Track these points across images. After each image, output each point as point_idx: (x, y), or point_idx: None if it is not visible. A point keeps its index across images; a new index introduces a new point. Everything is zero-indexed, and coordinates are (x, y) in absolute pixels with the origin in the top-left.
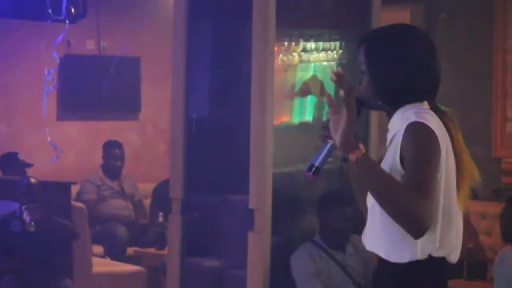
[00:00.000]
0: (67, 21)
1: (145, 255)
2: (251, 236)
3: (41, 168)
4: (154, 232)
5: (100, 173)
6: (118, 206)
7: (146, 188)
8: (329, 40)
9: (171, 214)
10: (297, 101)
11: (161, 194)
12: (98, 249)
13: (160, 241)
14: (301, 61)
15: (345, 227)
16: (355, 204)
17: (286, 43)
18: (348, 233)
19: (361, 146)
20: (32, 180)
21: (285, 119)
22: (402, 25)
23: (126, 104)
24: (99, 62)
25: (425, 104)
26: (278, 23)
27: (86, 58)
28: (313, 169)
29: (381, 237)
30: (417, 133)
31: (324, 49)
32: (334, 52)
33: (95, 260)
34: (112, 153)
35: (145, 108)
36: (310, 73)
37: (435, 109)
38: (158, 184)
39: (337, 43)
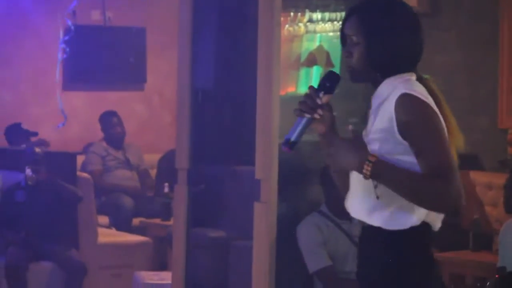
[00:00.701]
0: None
1: (151, 226)
2: (258, 207)
3: (46, 138)
4: (159, 203)
5: (104, 144)
6: (123, 176)
7: (152, 159)
8: (335, 10)
9: (177, 185)
10: (303, 71)
11: (167, 165)
12: (103, 219)
13: (166, 212)
14: (307, 32)
15: None
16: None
17: (292, 14)
18: None
19: (371, 157)
20: (37, 149)
21: (291, 89)
22: None
23: (131, 75)
24: (105, 33)
25: (413, 75)
26: None
27: (91, 28)
28: (290, 143)
29: (375, 206)
30: (415, 110)
31: (330, 20)
32: (340, 22)
33: (100, 230)
34: (110, 122)
35: (150, 79)
36: (316, 44)
37: (419, 78)
38: (164, 154)
39: (343, 14)
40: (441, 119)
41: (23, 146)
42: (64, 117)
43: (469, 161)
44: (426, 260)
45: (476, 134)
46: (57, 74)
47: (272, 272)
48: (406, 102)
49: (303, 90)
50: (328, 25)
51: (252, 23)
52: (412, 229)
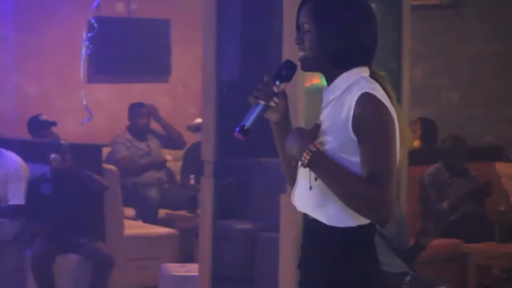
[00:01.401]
0: None
1: (177, 218)
2: (284, 199)
3: (71, 130)
4: (185, 195)
5: (128, 135)
6: (150, 180)
7: (177, 151)
8: None
9: (203, 177)
10: None
11: (192, 157)
12: (130, 211)
13: (192, 204)
14: None
15: None
16: None
17: None
18: None
19: (312, 146)
20: (62, 141)
21: (316, 81)
22: None
23: (156, 67)
24: (129, 25)
25: (367, 70)
26: None
27: (115, 20)
28: (244, 130)
29: (324, 201)
30: (374, 111)
31: None
32: None
33: (127, 222)
34: (138, 112)
35: (175, 71)
36: None
37: (373, 73)
38: (189, 146)
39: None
40: (396, 122)
41: (48, 138)
42: (89, 113)
43: (495, 152)
44: (372, 258)
45: (502, 125)
46: (81, 71)
47: None
48: (367, 101)
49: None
50: None
51: (276, 14)
52: (360, 227)
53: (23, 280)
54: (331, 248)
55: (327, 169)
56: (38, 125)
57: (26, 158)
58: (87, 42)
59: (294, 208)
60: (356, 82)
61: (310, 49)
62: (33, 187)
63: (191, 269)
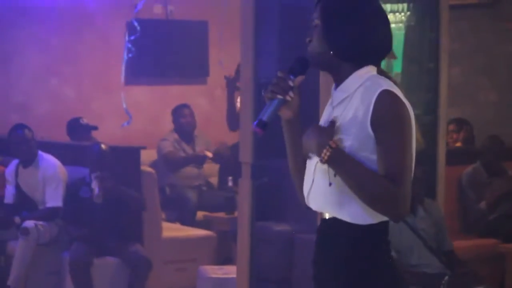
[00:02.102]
0: None
1: (215, 220)
2: None
3: (109, 133)
4: (223, 197)
5: (175, 135)
6: (190, 174)
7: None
8: (397, 2)
9: (241, 179)
10: None
11: (230, 159)
12: (168, 214)
13: (230, 206)
14: None
15: (416, 189)
16: (425, 166)
17: None
18: (418, 196)
19: (332, 143)
20: (103, 146)
21: None
22: None
23: (194, 69)
24: (167, 27)
25: (374, 68)
26: None
27: (153, 23)
28: (261, 123)
29: (345, 199)
30: (394, 108)
31: (392, 11)
32: (402, 14)
33: (165, 225)
34: (181, 113)
35: (213, 72)
36: None
37: (381, 73)
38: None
39: (405, 5)
40: (413, 120)
41: (87, 142)
42: (129, 116)
43: None
44: (389, 255)
45: None
46: (123, 74)
47: None
48: (387, 99)
49: None
50: (390, 17)
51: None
52: (380, 224)
53: (61, 283)
54: (353, 245)
55: (346, 165)
56: (78, 128)
57: (65, 161)
58: (129, 45)
59: None
60: (370, 80)
61: (318, 43)
62: (71, 190)
63: (229, 271)
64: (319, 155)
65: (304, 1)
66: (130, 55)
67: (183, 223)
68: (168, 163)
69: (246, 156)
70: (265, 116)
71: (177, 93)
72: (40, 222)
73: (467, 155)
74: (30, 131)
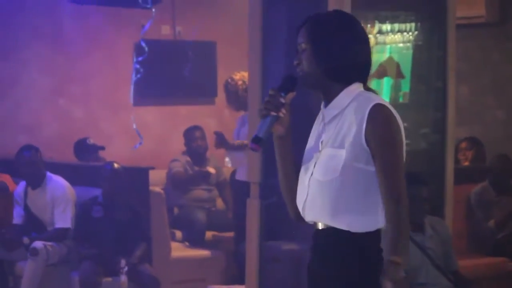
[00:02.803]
0: (152, 9)
1: (223, 240)
2: None
3: (118, 153)
4: (232, 217)
5: (187, 158)
6: (200, 197)
7: (224, 172)
8: (405, 21)
9: (250, 198)
10: (373, 83)
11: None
12: (177, 234)
13: None
14: (377, 43)
15: (422, 208)
16: (433, 185)
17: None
18: (424, 214)
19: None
20: (116, 165)
21: None
22: (342, 11)
23: (202, 89)
24: (175, 47)
25: (361, 85)
26: (353, 6)
27: (161, 43)
28: (258, 139)
29: (341, 209)
30: (386, 121)
31: (399, 31)
32: (410, 33)
33: (173, 245)
34: (192, 136)
35: (221, 93)
36: (386, 55)
37: (368, 89)
38: (236, 168)
39: (413, 24)
40: (403, 131)
41: (94, 162)
42: (141, 137)
43: None
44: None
45: None
46: (131, 95)
47: None
48: (379, 112)
49: None
50: (398, 36)
51: None
52: (376, 231)
53: None
54: (352, 252)
55: (406, 256)
56: (86, 149)
57: (74, 182)
58: (137, 66)
59: None
60: (360, 95)
61: (307, 65)
62: (83, 210)
63: None
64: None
65: None
66: (138, 75)
67: (192, 243)
68: (175, 183)
69: (254, 176)
70: (260, 132)
71: (186, 113)
72: (49, 243)
73: (476, 174)
74: (38, 152)
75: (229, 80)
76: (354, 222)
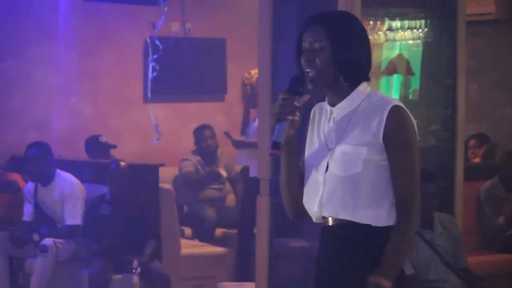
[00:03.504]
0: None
1: (233, 236)
2: None
3: (128, 150)
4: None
5: (198, 157)
6: (211, 197)
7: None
8: (414, 18)
9: (260, 195)
10: (383, 79)
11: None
12: (186, 231)
13: None
14: (386, 40)
15: (430, 204)
16: (442, 182)
17: (371, 22)
18: (432, 210)
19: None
20: (122, 163)
21: None
22: (348, 12)
23: (212, 86)
24: (184, 45)
25: (369, 84)
26: (363, 2)
27: (171, 40)
28: (278, 145)
29: (362, 203)
30: (406, 124)
31: (409, 28)
32: (420, 30)
33: (183, 242)
34: (202, 135)
35: (231, 90)
36: (396, 52)
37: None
38: (245, 165)
39: (423, 21)
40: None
41: (105, 159)
42: (159, 133)
43: None
44: None
45: None
46: (148, 92)
47: None
48: (398, 114)
49: None
50: (408, 33)
51: None
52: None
53: None
54: (371, 247)
55: (400, 261)
56: (97, 147)
57: (84, 179)
58: (153, 63)
59: None
60: (372, 95)
61: (323, 66)
62: (92, 207)
63: None
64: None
65: None
66: (154, 73)
67: (202, 240)
68: (186, 183)
69: (264, 173)
70: (278, 137)
71: (195, 110)
72: (59, 240)
73: (485, 171)
74: (46, 149)
75: (246, 75)
76: (376, 216)
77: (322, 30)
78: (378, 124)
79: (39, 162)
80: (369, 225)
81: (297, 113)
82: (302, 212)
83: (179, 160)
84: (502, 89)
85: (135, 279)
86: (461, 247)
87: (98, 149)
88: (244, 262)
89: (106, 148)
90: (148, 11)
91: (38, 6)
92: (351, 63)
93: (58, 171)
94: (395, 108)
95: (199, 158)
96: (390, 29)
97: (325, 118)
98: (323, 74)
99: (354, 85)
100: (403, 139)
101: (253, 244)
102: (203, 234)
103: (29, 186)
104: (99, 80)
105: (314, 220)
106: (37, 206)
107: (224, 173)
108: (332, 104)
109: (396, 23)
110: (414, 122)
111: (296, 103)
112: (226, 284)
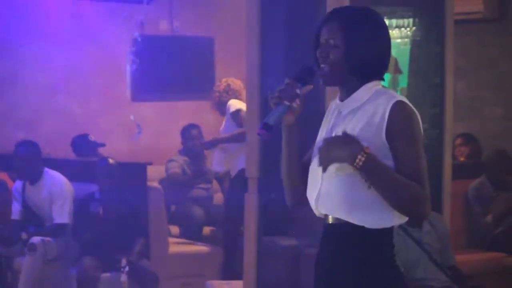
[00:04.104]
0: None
1: (221, 235)
2: None
3: (116, 149)
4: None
5: (185, 157)
6: (199, 197)
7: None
8: (402, 17)
9: (248, 194)
10: None
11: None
12: (174, 229)
13: None
14: None
15: None
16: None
17: None
18: None
19: (366, 148)
20: (110, 160)
21: None
22: (370, 9)
23: (200, 84)
24: (173, 43)
25: (380, 82)
26: (351, 1)
27: (159, 39)
28: (267, 126)
29: (357, 204)
30: (408, 118)
31: (397, 26)
32: (408, 29)
33: (171, 240)
34: (190, 134)
35: None
36: None
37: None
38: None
39: (411, 20)
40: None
41: (93, 158)
42: (139, 128)
43: None
44: (394, 259)
45: None
46: (129, 87)
47: None
48: (401, 109)
49: None
50: (396, 32)
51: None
52: (390, 228)
53: None
54: (366, 249)
55: (379, 170)
56: (86, 145)
57: (72, 177)
58: (132, 57)
59: None
60: (380, 91)
61: (336, 63)
62: (81, 205)
63: (236, 286)
64: (352, 162)
65: (309, 17)
66: (134, 67)
67: (189, 238)
68: (173, 184)
69: (252, 171)
70: (271, 120)
71: (184, 108)
72: (47, 238)
73: (473, 169)
74: (35, 147)
75: (217, 82)
76: (370, 218)
77: (337, 27)
78: (380, 120)
79: (27, 160)
80: (363, 226)
81: (297, 101)
82: (300, 203)
83: (166, 160)
84: (490, 88)
85: (124, 277)
86: (449, 246)
87: (86, 148)
88: (231, 260)
89: (94, 146)
90: (136, 9)
91: (26, 6)
92: (363, 63)
93: (47, 169)
94: (399, 103)
95: (186, 158)
96: None
97: (334, 112)
98: (335, 71)
99: (365, 81)
100: (407, 134)
101: (240, 242)
102: (191, 233)
103: (17, 184)
104: (88, 79)
105: (316, 214)
106: (25, 205)
107: (212, 168)
108: (341, 99)
109: (385, 22)
110: (419, 118)
111: (298, 91)
112: (214, 282)
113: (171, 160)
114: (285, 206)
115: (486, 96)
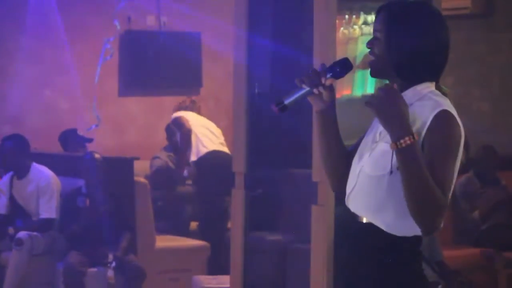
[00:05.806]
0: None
1: (208, 230)
2: (315, 210)
3: (103, 144)
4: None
5: (169, 153)
6: (185, 193)
7: None
8: None
9: (234, 189)
10: (358, 74)
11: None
12: (161, 224)
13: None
14: (362, 34)
15: None
16: None
17: (347, 16)
18: None
19: (416, 134)
20: (96, 155)
21: (346, 92)
22: (424, 1)
23: (187, 80)
24: (160, 38)
25: (433, 84)
26: None
27: (146, 34)
28: (281, 105)
29: (384, 207)
30: (450, 130)
31: None
32: None
33: (158, 235)
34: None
35: (206, 83)
36: None
37: (438, 89)
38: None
39: None
40: (463, 140)
41: (80, 152)
42: (98, 119)
43: None
44: (421, 268)
45: None
46: (97, 75)
47: (330, 275)
48: (445, 118)
49: (358, 92)
50: None
51: (307, 26)
52: (416, 237)
53: None
54: (386, 253)
55: (415, 161)
56: (73, 140)
57: (59, 172)
58: (108, 46)
59: (325, 219)
60: (428, 96)
61: (379, 57)
62: (68, 200)
63: (223, 281)
64: (398, 139)
65: (298, 12)
66: (108, 57)
67: (176, 233)
68: (157, 181)
69: (239, 166)
70: (287, 99)
71: (171, 104)
72: (34, 233)
73: (461, 165)
74: (22, 141)
75: (170, 123)
76: (393, 224)
77: (383, 20)
78: (421, 126)
79: (14, 154)
80: (381, 230)
81: (320, 89)
82: (344, 186)
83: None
84: (478, 84)
85: (110, 272)
86: (436, 241)
87: (74, 143)
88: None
89: (82, 141)
90: (124, 4)
91: (12, 0)
92: (403, 59)
93: (34, 164)
94: (443, 112)
95: (171, 154)
96: (365, 23)
97: None
98: (378, 64)
99: (412, 82)
100: (444, 144)
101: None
102: (178, 228)
103: (4, 179)
104: (73, 73)
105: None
106: (12, 199)
107: (193, 157)
108: None
109: (372, 17)
110: (462, 131)
111: (323, 80)
112: (201, 277)
113: (155, 157)
114: (272, 201)
115: (474, 92)
